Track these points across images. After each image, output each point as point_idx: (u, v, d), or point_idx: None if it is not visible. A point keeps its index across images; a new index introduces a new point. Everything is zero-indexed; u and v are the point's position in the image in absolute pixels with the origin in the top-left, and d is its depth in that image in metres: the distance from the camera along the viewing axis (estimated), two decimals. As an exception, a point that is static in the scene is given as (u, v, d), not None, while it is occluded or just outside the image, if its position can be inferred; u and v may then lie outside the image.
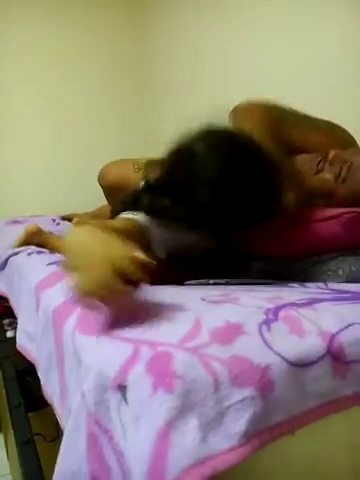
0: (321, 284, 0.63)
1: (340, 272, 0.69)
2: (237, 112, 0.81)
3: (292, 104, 0.82)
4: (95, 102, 2.04)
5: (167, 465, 0.27)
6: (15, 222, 1.42)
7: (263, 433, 0.31)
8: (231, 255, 0.79)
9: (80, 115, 2.01)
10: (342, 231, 0.68)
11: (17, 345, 0.75)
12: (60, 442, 0.43)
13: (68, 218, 1.47)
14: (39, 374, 0.63)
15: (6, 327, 1.05)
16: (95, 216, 1.30)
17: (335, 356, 0.39)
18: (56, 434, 0.53)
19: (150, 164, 0.89)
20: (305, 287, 0.61)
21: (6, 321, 1.08)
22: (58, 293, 0.61)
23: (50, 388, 0.57)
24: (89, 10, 1.99)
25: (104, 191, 1.15)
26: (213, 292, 0.55)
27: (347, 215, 0.66)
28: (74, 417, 0.38)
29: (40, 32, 1.94)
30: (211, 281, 0.61)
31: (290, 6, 1.28)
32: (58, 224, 1.37)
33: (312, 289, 0.59)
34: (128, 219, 0.72)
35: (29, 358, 0.70)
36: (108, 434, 0.35)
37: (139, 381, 0.33)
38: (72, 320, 0.49)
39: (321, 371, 0.37)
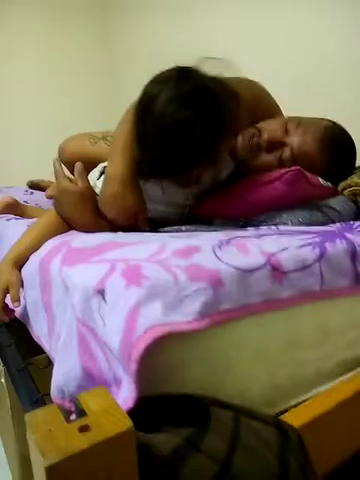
0: (273, 227, 0.72)
1: (289, 223, 0.79)
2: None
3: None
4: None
5: (136, 327, 0.36)
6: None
7: (214, 315, 0.41)
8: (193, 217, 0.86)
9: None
10: (286, 189, 0.76)
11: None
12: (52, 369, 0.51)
13: (37, 184, 1.45)
14: (26, 323, 0.70)
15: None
16: None
17: (273, 266, 0.48)
18: (47, 363, 0.61)
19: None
20: (259, 230, 0.71)
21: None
22: (42, 247, 0.68)
23: (38, 329, 0.65)
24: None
25: (66, 167, 1.18)
26: (181, 235, 0.64)
27: (288, 174, 0.75)
28: (67, 327, 0.46)
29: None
30: (183, 228, 0.69)
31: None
32: (32, 193, 1.36)
33: (264, 230, 0.69)
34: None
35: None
36: (93, 332, 0.43)
37: (115, 284, 0.42)
38: (57, 260, 0.57)
39: (262, 275, 0.46)
